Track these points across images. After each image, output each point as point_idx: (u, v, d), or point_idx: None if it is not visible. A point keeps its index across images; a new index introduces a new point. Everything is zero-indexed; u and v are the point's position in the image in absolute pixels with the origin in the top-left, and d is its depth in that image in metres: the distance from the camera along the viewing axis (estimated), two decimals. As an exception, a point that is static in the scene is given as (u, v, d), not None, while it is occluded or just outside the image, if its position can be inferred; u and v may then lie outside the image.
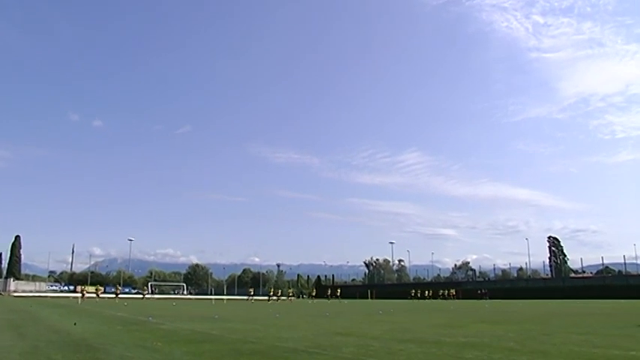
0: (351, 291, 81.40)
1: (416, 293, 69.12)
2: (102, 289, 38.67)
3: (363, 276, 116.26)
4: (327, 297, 64.48)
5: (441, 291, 68.30)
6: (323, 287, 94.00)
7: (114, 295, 43.93)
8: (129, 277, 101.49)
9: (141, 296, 47.95)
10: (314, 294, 59.84)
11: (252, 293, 56.33)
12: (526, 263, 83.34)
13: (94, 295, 40.37)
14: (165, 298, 57.20)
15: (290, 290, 50.01)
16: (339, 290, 69.87)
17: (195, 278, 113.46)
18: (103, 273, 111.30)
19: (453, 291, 67.26)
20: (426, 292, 69.40)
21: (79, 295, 41.53)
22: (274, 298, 50.83)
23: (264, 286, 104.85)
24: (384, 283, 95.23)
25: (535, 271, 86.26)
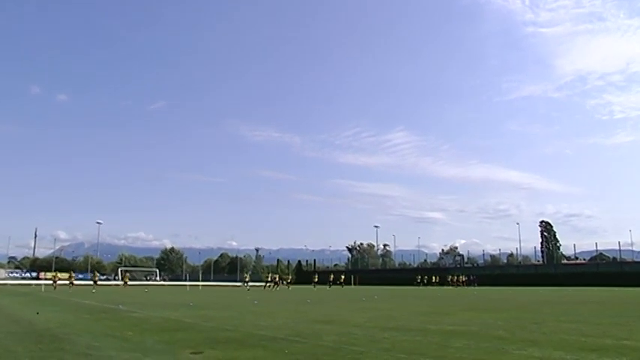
0: (334, 277, 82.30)
1: (422, 279, 65.15)
2: (74, 275, 36.49)
3: (346, 261, 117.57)
4: (316, 282, 59.29)
5: (450, 277, 63.60)
6: (304, 273, 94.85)
7: (92, 283, 41.16)
8: (97, 263, 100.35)
9: (121, 283, 44.68)
10: (289, 280, 54.88)
11: (247, 279, 51.58)
12: (517, 249, 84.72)
13: (67, 283, 38.89)
14: (136, 284, 56.91)
15: (288, 276, 46.79)
16: (316, 276, 61.13)
17: (169, 263, 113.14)
18: (69, 258, 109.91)
19: (463, 277, 62.71)
20: (433, 278, 65.91)
21: (50, 282, 39.56)
22: (271, 284, 45.32)
23: (241, 271, 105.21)
24: (368, 269, 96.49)
25: (526, 257, 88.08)
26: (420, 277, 66.12)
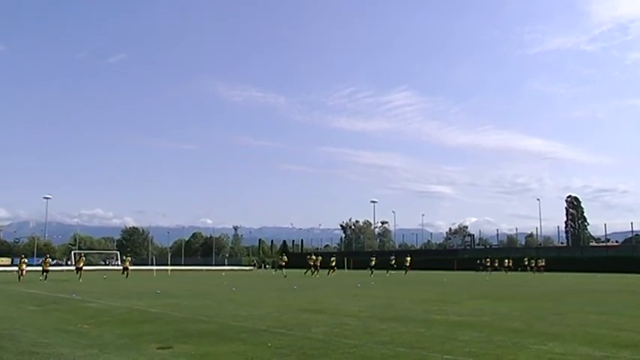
0: (324, 260, 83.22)
1: (492, 263, 56.92)
2: (26, 260, 34.66)
3: (339, 241, 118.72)
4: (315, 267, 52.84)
5: (527, 260, 57.11)
6: (290, 255, 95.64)
7: (41, 270, 37.62)
8: (45, 245, 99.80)
9: (75, 268, 39.21)
10: (284, 263, 44.05)
11: (284, 262, 44.55)
12: (537, 228, 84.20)
13: (17, 270, 37.21)
14: (93, 269, 56.92)
15: (333, 259, 38.50)
16: (285, 259, 48.44)
17: (132, 245, 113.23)
18: (10, 240, 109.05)
19: (542, 262, 55.60)
20: (506, 261, 57.24)
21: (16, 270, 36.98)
22: (313, 268, 37.85)
23: (217, 253, 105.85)
24: (363, 250, 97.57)
25: (548, 239, 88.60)
26: (486, 259, 58.41)
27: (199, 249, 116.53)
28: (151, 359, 6.44)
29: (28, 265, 31.03)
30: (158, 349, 7.09)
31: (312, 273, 36.70)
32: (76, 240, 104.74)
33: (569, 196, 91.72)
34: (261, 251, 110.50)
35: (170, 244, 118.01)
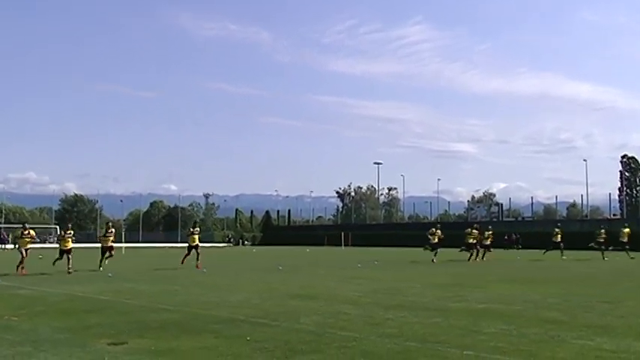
0: (316, 234, 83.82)
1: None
2: None
3: (334, 212, 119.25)
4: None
5: (602, 232, 52.60)
6: (274, 228, 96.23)
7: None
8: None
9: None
10: (489, 240, 33.62)
11: (438, 239, 32.76)
12: (582, 196, 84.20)
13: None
14: (25, 248, 56.42)
15: (490, 233, 28.83)
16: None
17: (76, 217, 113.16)
18: None
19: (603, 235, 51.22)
20: (558, 235, 51.78)
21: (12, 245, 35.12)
22: (476, 249, 30.71)
23: (184, 227, 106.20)
24: (365, 223, 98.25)
25: (596, 209, 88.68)
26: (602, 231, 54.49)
27: (161, 222, 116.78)
28: (99, 357, 6.44)
29: None
30: (108, 344, 7.11)
31: (473, 255, 29.63)
32: (1, 211, 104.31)
33: (625, 156, 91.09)
34: (238, 224, 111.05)
35: (124, 216, 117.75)
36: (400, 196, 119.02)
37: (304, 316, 9.44)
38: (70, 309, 10.61)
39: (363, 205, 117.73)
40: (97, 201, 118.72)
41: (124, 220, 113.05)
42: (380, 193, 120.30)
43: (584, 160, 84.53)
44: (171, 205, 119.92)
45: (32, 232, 21.81)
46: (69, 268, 20.05)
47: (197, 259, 23.16)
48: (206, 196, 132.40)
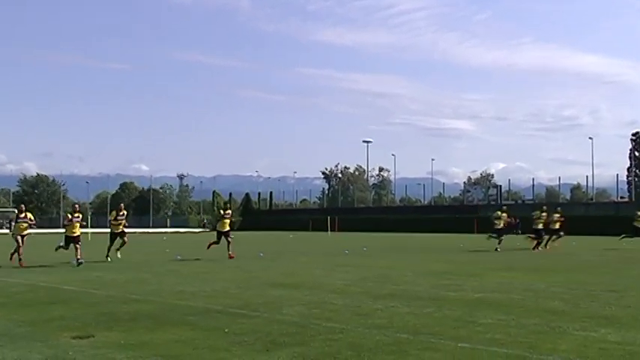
0: (300, 218, 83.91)
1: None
2: None
3: (320, 195, 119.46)
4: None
5: None
6: (254, 212, 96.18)
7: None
8: None
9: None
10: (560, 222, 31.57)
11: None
12: (587, 178, 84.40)
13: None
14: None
15: (558, 216, 26.74)
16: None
17: (37, 200, 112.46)
18: None
19: None
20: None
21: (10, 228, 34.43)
22: (548, 236, 28.56)
23: (157, 211, 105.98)
24: (353, 207, 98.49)
25: (602, 191, 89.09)
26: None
27: (131, 205, 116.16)
28: (63, 352, 6.39)
29: None
30: (73, 338, 7.07)
31: (538, 243, 27.46)
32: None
33: (637, 134, 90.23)
34: (215, 207, 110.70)
35: (90, 199, 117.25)
36: (391, 177, 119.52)
37: (287, 307, 9.45)
38: (32, 300, 10.55)
39: (351, 186, 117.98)
40: (62, 183, 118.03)
41: (90, 204, 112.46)
42: (369, 174, 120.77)
43: (590, 138, 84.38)
44: (143, 187, 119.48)
45: (30, 214, 19.71)
46: (79, 259, 18.12)
47: (228, 248, 21.53)
48: (180, 178, 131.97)
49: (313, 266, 18.16)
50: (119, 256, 20.56)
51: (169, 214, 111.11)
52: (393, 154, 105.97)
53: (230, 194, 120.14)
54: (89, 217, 65.01)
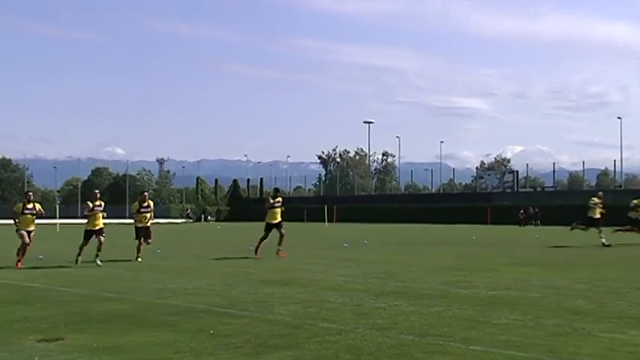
0: (294, 208, 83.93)
1: None
2: None
3: (316, 181, 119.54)
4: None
5: None
6: (243, 201, 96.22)
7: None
8: None
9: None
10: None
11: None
12: (615, 162, 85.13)
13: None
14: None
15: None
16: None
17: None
18: None
19: None
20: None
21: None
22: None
23: (134, 200, 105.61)
24: (353, 195, 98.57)
25: (632, 178, 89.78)
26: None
27: (105, 193, 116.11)
28: (28, 358, 6.42)
29: None
30: (39, 341, 7.08)
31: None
32: None
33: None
34: (200, 195, 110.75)
35: (59, 186, 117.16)
36: (395, 162, 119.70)
37: (279, 305, 9.50)
38: (-9, 299, 10.58)
39: (351, 172, 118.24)
40: (25, 167, 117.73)
41: (59, 191, 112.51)
42: (371, 158, 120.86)
43: (619, 118, 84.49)
44: (118, 173, 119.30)
45: (38, 205, 18.30)
46: (98, 250, 17.28)
47: (280, 242, 20.19)
48: (160, 162, 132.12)
49: (308, 261, 18.21)
50: (139, 260, 18.81)
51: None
52: (397, 137, 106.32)
53: (216, 181, 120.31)
54: (57, 207, 65.10)
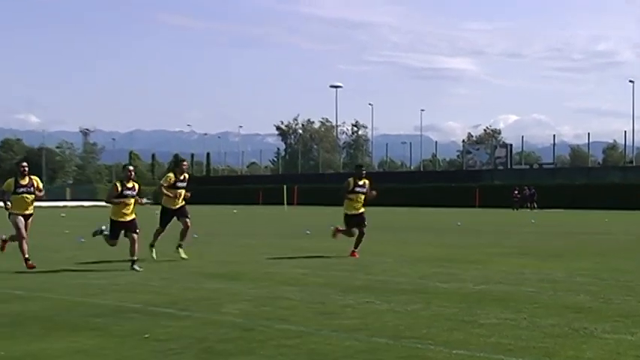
0: (247, 188, 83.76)
1: None
2: None
3: (274, 157, 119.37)
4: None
5: None
6: (190, 180, 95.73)
7: None
8: None
9: None
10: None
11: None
12: (625, 134, 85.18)
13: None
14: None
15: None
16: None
17: None
18: None
19: None
20: None
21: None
22: None
23: (52, 178, 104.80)
24: (318, 173, 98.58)
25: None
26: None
27: (15, 169, 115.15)
28: None
29: None
30: None
31: None
32: None
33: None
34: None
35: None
36: (368, 134, 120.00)
37: (228, 303, 9.49)
38: None
39: (315, 146, 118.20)
40: None
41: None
42: (339, 129, 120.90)
43: (631, 81, 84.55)
44: (32, 146, 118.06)
45: (39, 182, 15.50)
46: (132, 254, 14.10)
47: (359, 240, 17.13)
48: (84, 133, 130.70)
49: (263, 251, 18.21)
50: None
51: (69, 182, 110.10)
52: (370, 104, 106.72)
53: (153, 156, 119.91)
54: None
